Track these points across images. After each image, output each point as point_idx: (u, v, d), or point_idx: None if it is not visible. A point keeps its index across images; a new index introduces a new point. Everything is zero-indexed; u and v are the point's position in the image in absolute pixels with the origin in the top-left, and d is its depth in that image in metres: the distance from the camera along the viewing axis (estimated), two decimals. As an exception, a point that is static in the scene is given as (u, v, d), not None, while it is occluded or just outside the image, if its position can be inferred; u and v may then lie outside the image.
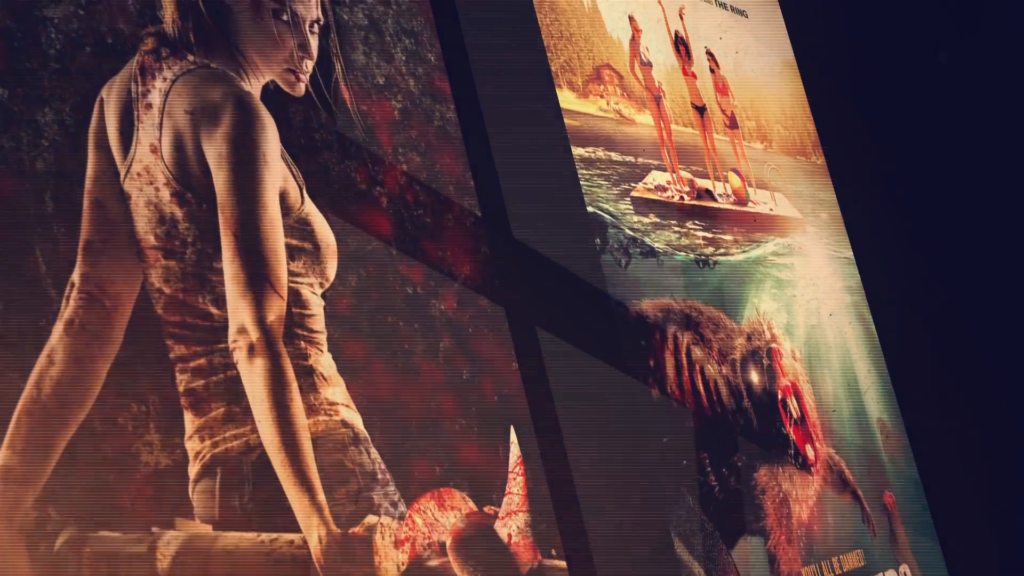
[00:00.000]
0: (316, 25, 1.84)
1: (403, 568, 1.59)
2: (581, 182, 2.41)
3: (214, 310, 1.50)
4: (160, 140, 1.52)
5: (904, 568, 2.96)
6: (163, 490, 1.35)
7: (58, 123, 1.42)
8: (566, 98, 2.52)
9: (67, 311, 1.36)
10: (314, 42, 1.83)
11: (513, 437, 1.88)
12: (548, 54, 2.53)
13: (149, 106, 1.53)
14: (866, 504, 2.94)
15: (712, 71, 3.06)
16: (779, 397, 2.84)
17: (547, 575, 1.81)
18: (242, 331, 1.51)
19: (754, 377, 2.78)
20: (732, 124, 3.05)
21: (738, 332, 2.83)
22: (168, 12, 1.62)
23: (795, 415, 2.85)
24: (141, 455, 1.35)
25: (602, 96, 2.64)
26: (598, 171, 2.50)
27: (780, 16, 3.35)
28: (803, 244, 3.15)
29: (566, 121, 2.47)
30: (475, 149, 2.09)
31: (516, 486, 1.84)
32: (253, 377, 1.50)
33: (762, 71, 3.26)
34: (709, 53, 3.08)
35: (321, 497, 1.51)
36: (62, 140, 1.41)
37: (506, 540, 1.78)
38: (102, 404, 1.32)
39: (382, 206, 1.83)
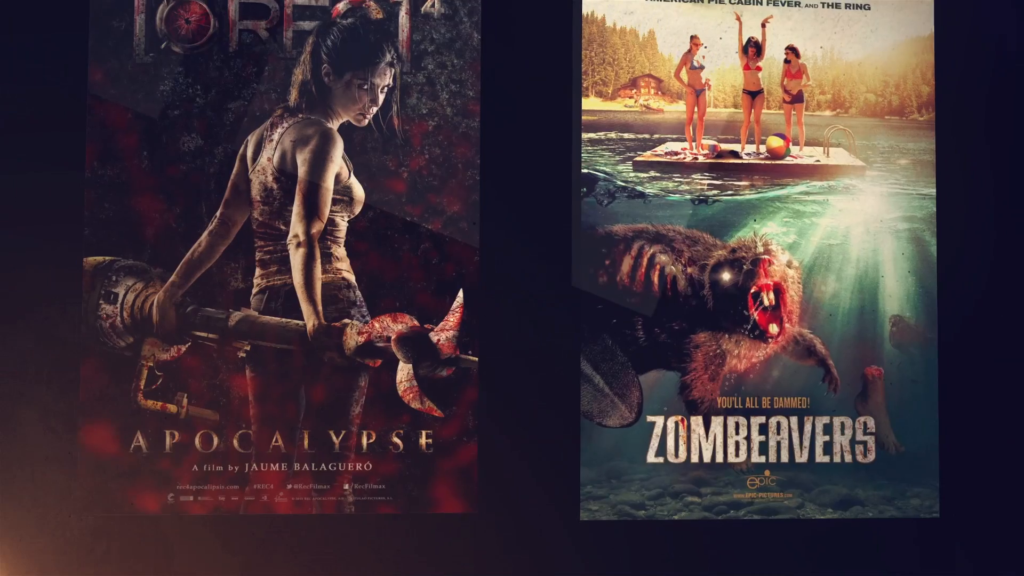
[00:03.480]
0: (385, 88, 3.71)
1: (359, 343, 3.52)
2: (583, 155, 3.73)
3: (282, 227, 3.54)
4: (273, 154, 3.56)
5: (866, 420, 3.70)
6: (240, 298, 3.47)
7: (224, 151, 3.53)
8: (591, 103, 3.79)
9: (211, 225, 3.50)
10: (381, 97, 3.70)
11: (460, 296, 3.66)
12: (583, 77, 3.77)
13: (271, 139, 3.57)
14: (834, 370, 3.59)
15: (787, 61, 4.02)
16: (752, 291, 3.47)
17: (460, 364, 3.59)
18: (295, 236, 3.53)
19: (725, 276, 3.39)
20: (796, 99, 4.05)
21: (720, 247, 3.41)
22: (293, 96, 3.62)
23: (767, 304, 3.51)
24: (230, 282, 3.46)
25: (631, 97, 3.76)
26: (605, 147, 3.69)
27: None
28: (854, 184, 3.71)
29: (584, 118, 3.73)
30: (488, 140, 3.79)
31: (453, 317, 3.63)
32: (296, 257, 3.51)
33: (873, 50, 3.99)
34: (791, 48, 4.05)
35: (319, 308, 3.50)
36: (223, 158, 3.53)
37: (435, 341, 3.60)
38: (219, 263, 3.46)
39: (403, 177, 3.69)
